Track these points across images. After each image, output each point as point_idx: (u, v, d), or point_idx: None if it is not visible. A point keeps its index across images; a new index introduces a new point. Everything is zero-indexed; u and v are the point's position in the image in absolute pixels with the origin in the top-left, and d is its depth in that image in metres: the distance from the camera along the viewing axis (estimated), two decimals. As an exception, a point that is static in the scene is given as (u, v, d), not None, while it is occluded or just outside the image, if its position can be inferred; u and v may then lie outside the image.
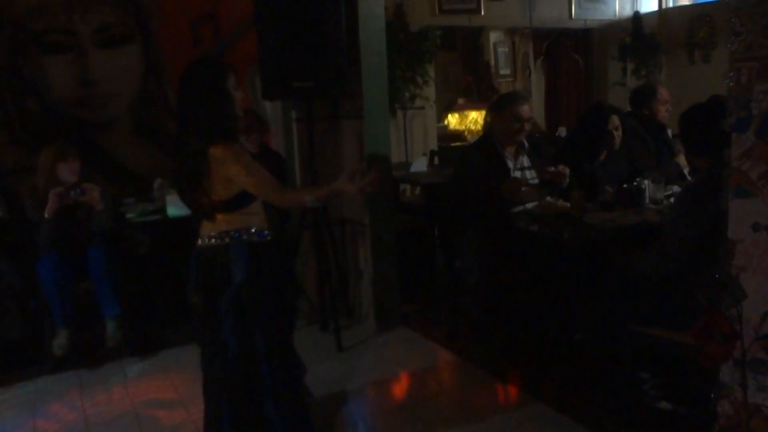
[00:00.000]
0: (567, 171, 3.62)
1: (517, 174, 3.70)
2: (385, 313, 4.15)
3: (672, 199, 3.39)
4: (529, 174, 3.73)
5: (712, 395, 1.83)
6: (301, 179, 4.33)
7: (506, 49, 9.68)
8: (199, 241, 2.35)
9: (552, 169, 3.62)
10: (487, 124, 7.54)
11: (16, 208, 4.33)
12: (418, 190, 5.93)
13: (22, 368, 3.82)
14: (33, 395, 3.52)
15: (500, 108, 3.75)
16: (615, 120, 3.78)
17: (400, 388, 3.40)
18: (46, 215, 3.85)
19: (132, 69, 5.00)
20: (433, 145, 6.33)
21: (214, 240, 2.30)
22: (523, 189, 3.57)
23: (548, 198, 3.70)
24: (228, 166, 2.20)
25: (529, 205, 3.61)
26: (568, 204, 3.49)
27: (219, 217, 2.30)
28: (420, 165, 5.66)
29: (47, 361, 3.87)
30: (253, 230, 2.32)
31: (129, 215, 4.29)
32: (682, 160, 3.89)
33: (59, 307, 3.91)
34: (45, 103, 4.77)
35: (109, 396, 3.47)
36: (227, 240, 2.29)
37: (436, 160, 5.65)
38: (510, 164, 3.70)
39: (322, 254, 4.00)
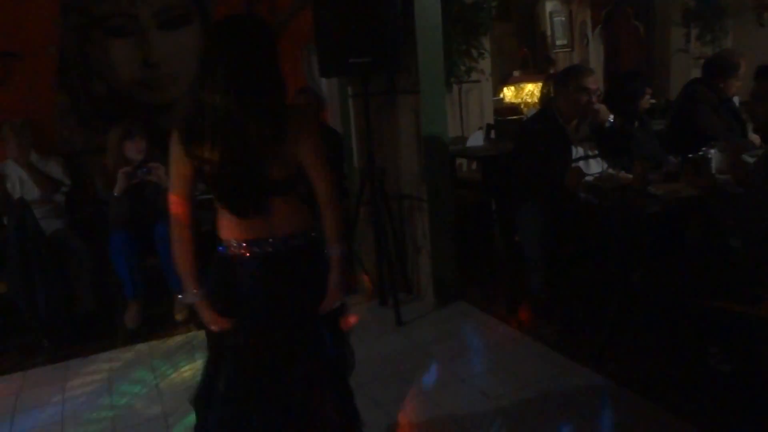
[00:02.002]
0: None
1: (580, 151, 3.64)
2: (444, 287, 4.17)
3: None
4: (595, 163, 3.67)
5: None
6: (357, 155, 4.36)
7: (563, 18, 9.45)
8: (245, 252, 1.94)
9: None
10: (545, 97, 7.44)
11: (87, 187, 4.52)
12: (474, 165, 5.90)
13: (97, 340, 4.01)
14: (108, 366, 3.70)
15: (565, 80, 3.67)
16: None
17: (459, 362, 3.41)
18: (116, 194, 4.00)
19: (191, 50, 5.10)
20: (489, 118, 6.26)
21: (275, 244, 1.93)
22: (585, 179, 3.51)
23: (609, 170, 3.63)
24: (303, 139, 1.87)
25: (590, 177, 3.55)
26: (630, 175, 3.42)
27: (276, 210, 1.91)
28: (476, 139, 5.61)
29: (120, 333, 4.05)
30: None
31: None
32: (755, 138, 3.76)
33: (130, 282, 4.08)
34: (110, 86, 4.93)
35: (178, 366, 3.60)
36: (298, 242, 1.95)
37: (492, 134, 5.59)
38: (573, 147, 3.64)
39: (380, 230, 4.03)
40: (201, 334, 3.93)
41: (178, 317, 4.17)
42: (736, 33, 7.47)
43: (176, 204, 1.88)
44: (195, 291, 1.92)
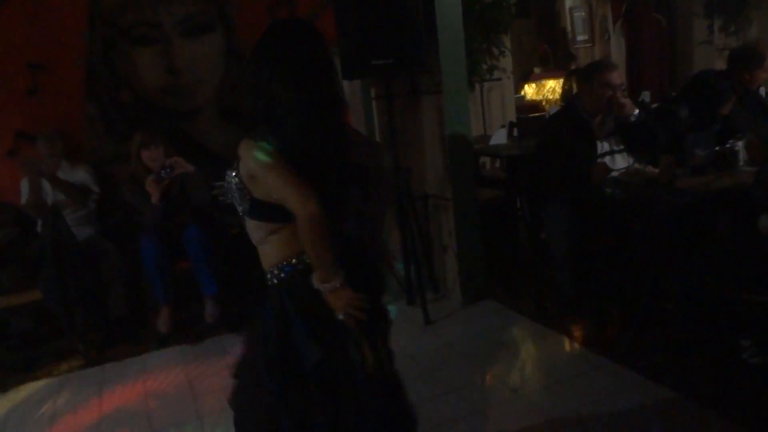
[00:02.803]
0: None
1: (605, 147, 3.63)
2: (471, 286, 4.18)
3: None
4: (621, 158, 3.65)
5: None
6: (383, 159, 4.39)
7: (583, 14, 9.40)
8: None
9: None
10: (567, 93, 7.41)
11: (116, 194, 4.60)
12: (498, 163, 5.90)
13: (130, 344, 4.09)
14: (142, 369, 3.76)
15: (589, 76, 3.66)
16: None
17: (489, 360, 3.42)
18: (154, 202, 4.07)
19: (215, 56, 5.16)
20: (512, 116, 6.25)
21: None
22: (611, 175, 3.50)
23: (636, 165, 3.62)
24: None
25: (616, 172, 3.54)
26: (657, 170, 3.40)
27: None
28: (499, 137, 5.61)
29: (153, 337, 4.12)
30: None
31: (221, 198, 4.47)
32: None
33: (161, 286, 4.15)
34: (136, 94, 5.01)
35: (210, 369, 3.66)
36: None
37: (515, 132, 5.59)
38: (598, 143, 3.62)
39: (406, 229, 4.05)
40: (232, 336, 4.01)
41: (210, 320, 4.22)
42: (760, 23, 7.38)
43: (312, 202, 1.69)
44: (341, 272, 1.78)
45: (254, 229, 1.90)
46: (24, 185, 4.37)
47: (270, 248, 1.88)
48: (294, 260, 1.85)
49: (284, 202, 1.74)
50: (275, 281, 1.88)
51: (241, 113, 5.22)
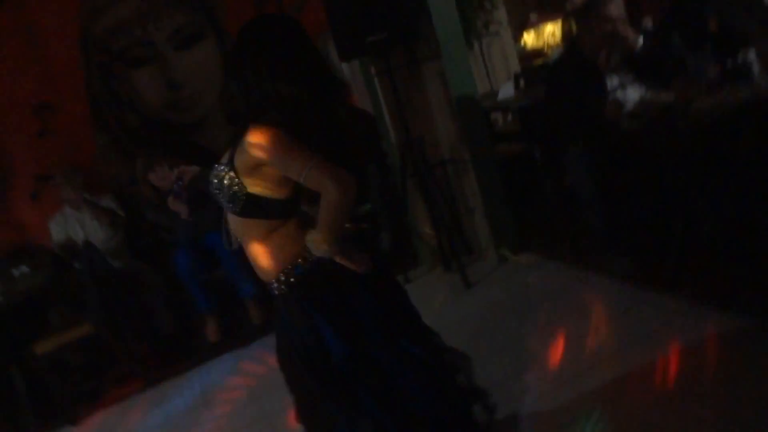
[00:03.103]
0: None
1: (614, 82, 3.57)
2: (504, 242, 4.17)
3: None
4: (633, 90, 3.57)
5: None
6: (394, 132, 4.38)
7: (569, -51, 9.17)
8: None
9: None
10: (567, 35, 7.26)
11: (141, 214, 4.67)
12: (510, 117, 5.84)
13: (185, 359, 4.17)
14: (200, 380, 3.85)
15: (586, 13, 3.59)
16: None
17: (534, 312, 3.43)
18: (185, 217, 4.12)
19: (211, 64, 5.18)
20: (516, 67, 6.18)
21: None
22: (626, 109, 3.44)
23: (648, 93, 3.56)
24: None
25: (630, 105, 3.48)
26: (672, 93, 3.34)
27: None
28: (507, 91, 5.55)
29: (205, 347, 4.21)
30: None
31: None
32: None
33: (202, 297, 4.22)
34: (142, 115, 5.06)
35: (268, 367, 3.72)
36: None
37: (521, 83, 5.53)
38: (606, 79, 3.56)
39: (430, 198, 4.06)
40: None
41: (256, 320, 4.28)
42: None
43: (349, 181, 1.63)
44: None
45: (248, 229, 1.78)
46: (52, 226, 4.46)
47: (270, 249, 1.77)
48: (300, 259, 1.77)
49: (311, 183, 1.64)
50: (285, 288, 1.79)
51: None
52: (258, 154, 1.65)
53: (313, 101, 1.71)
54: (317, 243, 1.70)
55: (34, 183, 4.70)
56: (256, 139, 1.65)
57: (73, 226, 4.47)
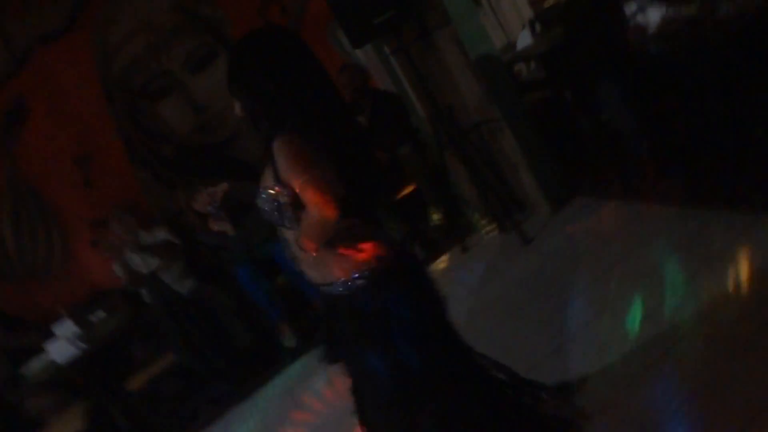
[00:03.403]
0: None
1: (633, 5, 3.47)
2: (554, 192, 4.13)
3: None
4: (653, 10, 3.45)
5: None
6: (421, 106, 4.37)
7: None
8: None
9: None
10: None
11: (194, 239, 4.79)
12: (533, 65, 5.74)
13: (267, 368, 4.28)
14: (287, 385, 3.95)
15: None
16: None
17: (599, 255, 3.39)
18: (231, 233, 4.22)
19: (229, 79, 5.23)
20: (528, 13, 6.05)
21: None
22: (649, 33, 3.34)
23: (669, 10, 3.45)
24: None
25: (652, 27, 3.38)
26: (693, 6, 3.23)
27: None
28: (525, 40, 5.45)
29: (284, 354, 4.31)
30: None
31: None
32: None
33: (271, 306, 4.32)
34: (175, 144, 5.16)
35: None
36: None
37: (537, 28, 5.41)
38: None
39: (470, 162, 4.04)
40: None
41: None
42: None
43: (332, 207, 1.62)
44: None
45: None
46: (117, 268, 4.61)
47: (337, 254, 1.76)
48: (372, 259, 1.75)
49: (303, 196, 1.63)
50: (352, 285, 1.75)
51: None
52: (280, 162, 1.65)
53: (323, 107, 1.71)
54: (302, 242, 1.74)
55: (91, 231, 4.86)
56: (277, 149, 1.66)
57: (136, 263, 4.61)
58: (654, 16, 3.46)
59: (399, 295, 1.76)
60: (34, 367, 4.23)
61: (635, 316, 2.72)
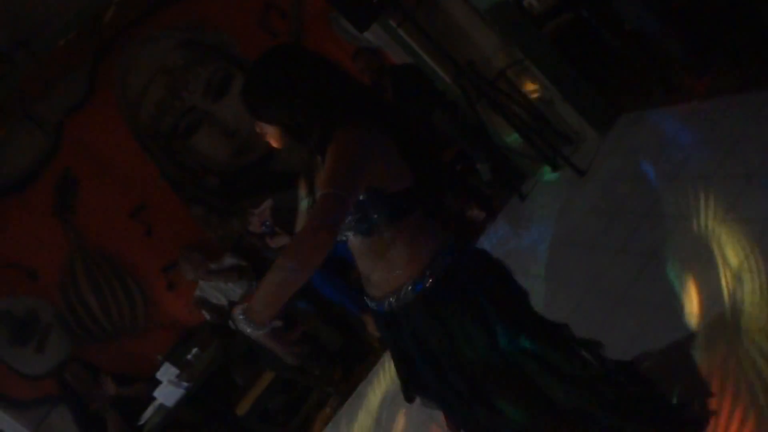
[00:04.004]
0: None
1: None
2: (596, 116, 4.00)
3: None
4: None
5: None
6: (442, 69, 4.30)
7: None
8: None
9: None
10: None
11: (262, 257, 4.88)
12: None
13: (364, 360, 4.35)
14: (386, 376, 4.00)
15: None
16: None
17: (660, 164, 3.27)
18: (276, 246, 4.29)
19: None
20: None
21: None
22: None
23: None
24: None
25: None
26: None
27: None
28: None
29: (376, 346, 4.36)
30: None
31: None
32: None
33: (349, 301, 4.35)
34: (217, 173, 5.26)
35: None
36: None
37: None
38: None
39: (506, 111, 3.96)
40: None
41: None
42: None
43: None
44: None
45: (372, 243, 1.63)
46: (203, 311, 4.76)
47: (404, 249, 1.62)
48: (442, 251, 1.64)
49: (316, 204, 1.47)
50: (431, 280, 1.61)
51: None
52: (326, 161, 1.52)
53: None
54: (248, 312, 1.44)
55: (164, 276, 5.02)
56: (334, 145, 1.52)
57: (213, 294, 4.75)
58: None
59: (476, 279, 1.65)
60: (147, 416, 4.41)
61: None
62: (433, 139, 4.52)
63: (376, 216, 1.58)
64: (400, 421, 3.45)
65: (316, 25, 5.20)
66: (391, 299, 1.65)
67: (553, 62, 3.94)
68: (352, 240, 1.66)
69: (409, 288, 1.62)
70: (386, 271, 1.64)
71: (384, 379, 3.98)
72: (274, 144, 1.69)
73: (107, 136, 5.00)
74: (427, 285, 1.61)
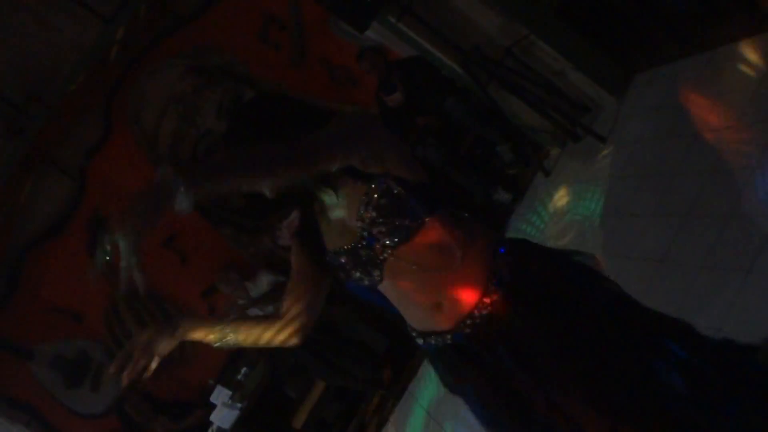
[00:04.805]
0: None
1: None
2: (610, 81, 3.93)
3: None
4: None
5: None
6: (447, 57, 4.26)
7: None
8: None
9: None
10: None
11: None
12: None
13: (411, 360, 4.34)
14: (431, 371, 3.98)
15: None
16: None
17: (679, 119, 3.19)
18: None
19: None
20: None
21: None
22: None
23: None
24: None
25: None
26: None
27: None
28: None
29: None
30: None
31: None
32: None
33: (387, 303, 4.35)
34: (239, 192, 5.29)
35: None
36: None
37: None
38: None
39: (518, 89, 3.92)
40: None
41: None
42: None
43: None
44: None
45: (425, 250, 1.32)
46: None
47: (463, 244, 1.33)
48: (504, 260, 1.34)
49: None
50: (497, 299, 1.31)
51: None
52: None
53: None
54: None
55: (204, 300, 5.09)
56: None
57: (253, 311, 4.79)
58: None
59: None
60: (206, 441, 4.49)
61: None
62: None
63: (413, 204, 1.30)
64: (453, 414, 3.44)
65: (317, 32, 5.20)
66: (475, 314, 1.33)
67: (559, 32, 3.88)
68: (394, 264, 1.35)
69: (494, 281, 1.32)
70: (464, 272, 1.33)
71: (432, 373, 3.97)
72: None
73: (129, 172, 5.06)
74: (505, 278, 1.32)
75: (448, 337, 1.38)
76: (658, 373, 1.29)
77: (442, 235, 1.32)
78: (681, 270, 2.53)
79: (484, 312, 1.32)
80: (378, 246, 1.34)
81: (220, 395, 4.41)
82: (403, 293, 1.41)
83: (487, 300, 1.32)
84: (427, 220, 1.31)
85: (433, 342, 1.43)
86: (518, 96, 3.95)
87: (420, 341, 1.47)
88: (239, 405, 4.28)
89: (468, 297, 1.33)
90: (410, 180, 1.32)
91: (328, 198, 1.40)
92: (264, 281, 4.88)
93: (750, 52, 2.96)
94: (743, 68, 2.96)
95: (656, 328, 1.36)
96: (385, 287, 1.43)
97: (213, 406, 4.45)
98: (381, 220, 1.31)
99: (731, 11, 3.23)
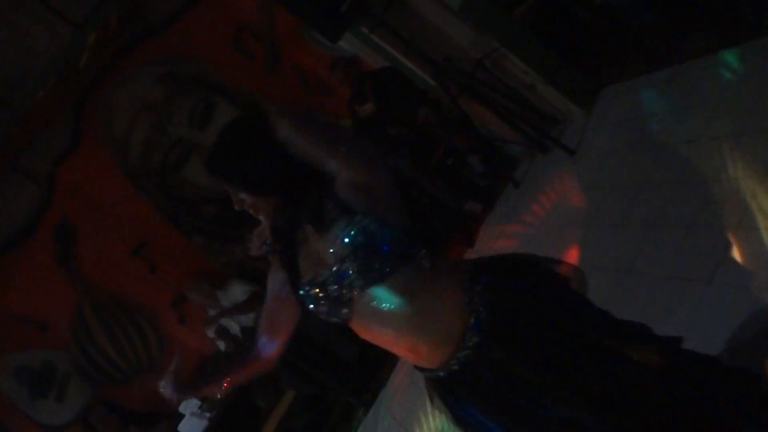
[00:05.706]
0: None
1: None
2: (579, 94, 3.99)
3: None
4: None
5: None
6: (419, 68, 4.30)
7: None
8: None
9: None
10: None
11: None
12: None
13: (381, 368, 4.34)
14: (406, 380, 3.99)
15: None
16: None
17: (647, 131, 3.27)
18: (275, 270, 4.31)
19: (236, 120, 5.30)
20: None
21: None
22: None
23: None
24: None
25: None
26: None
27: None
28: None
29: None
30: None
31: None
32: None
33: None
34: (212, 200, 5.27)
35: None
36: None
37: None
38: None
39: (489, 101, 3.96)
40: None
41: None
42: None
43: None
44: None
45: (403, 288, 1.31)
46: (210, 333, 4.77)
47: (441, 280, 1.35)
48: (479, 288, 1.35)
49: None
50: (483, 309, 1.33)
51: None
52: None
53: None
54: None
55: (174, 310, 5.04)
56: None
57: (226, 322, 4.76)
58: None
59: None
60: (175, 450, 4.43)
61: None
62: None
63: (387, 249, 1.31)
64: (421, 423, 3.45)
65: (290, 41, 5.21)
66: (459, 355, 1.34)
67: (529, 46, 3.94)
68: (365, 303, 1.33)
69: (471, 322, 1.33)
70: (437, 318, 1.34)
71: (402, 381, 3.98)
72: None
73: (100, 180, 5.02)
74: (483, 317, 1.33)
75: (440, 373, 1.38)
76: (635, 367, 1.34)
77: (413, 284, 1.32)
78: (646, 280, 2.57)
79: (468, 352, 1.33)
80: (346, 283, 1.33)
81: (188, 405, 4.36)
82: (374, 335, 1.39)
83: (468, 342, 1.33)
84: (399, 266, 1.31)
85: (427, 374, 1.44)
86: (489, 108, 4.00)
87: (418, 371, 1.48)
88: (207, 415, 4.25)
89: (447, 341, 1.34)
90: (392, 223, 1.32)
91: (312, 226, 1.39)
92: (237, 290, 4.85)
93: (713, 68, 3.04)
94: (706, 83, 3.04)
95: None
96: (356, 326, 1.41)
97: (181, 416, 4.40)
98: (353, 257, 1.31)
99: (695, 28, 3.32)
